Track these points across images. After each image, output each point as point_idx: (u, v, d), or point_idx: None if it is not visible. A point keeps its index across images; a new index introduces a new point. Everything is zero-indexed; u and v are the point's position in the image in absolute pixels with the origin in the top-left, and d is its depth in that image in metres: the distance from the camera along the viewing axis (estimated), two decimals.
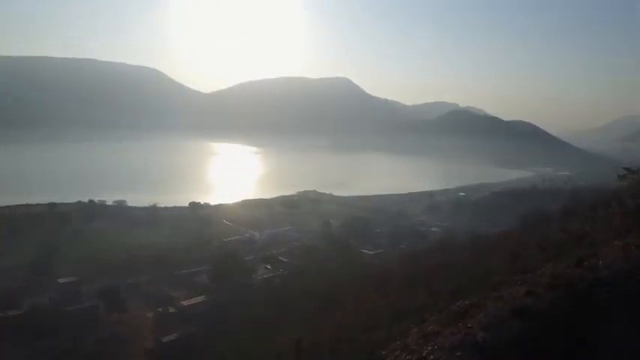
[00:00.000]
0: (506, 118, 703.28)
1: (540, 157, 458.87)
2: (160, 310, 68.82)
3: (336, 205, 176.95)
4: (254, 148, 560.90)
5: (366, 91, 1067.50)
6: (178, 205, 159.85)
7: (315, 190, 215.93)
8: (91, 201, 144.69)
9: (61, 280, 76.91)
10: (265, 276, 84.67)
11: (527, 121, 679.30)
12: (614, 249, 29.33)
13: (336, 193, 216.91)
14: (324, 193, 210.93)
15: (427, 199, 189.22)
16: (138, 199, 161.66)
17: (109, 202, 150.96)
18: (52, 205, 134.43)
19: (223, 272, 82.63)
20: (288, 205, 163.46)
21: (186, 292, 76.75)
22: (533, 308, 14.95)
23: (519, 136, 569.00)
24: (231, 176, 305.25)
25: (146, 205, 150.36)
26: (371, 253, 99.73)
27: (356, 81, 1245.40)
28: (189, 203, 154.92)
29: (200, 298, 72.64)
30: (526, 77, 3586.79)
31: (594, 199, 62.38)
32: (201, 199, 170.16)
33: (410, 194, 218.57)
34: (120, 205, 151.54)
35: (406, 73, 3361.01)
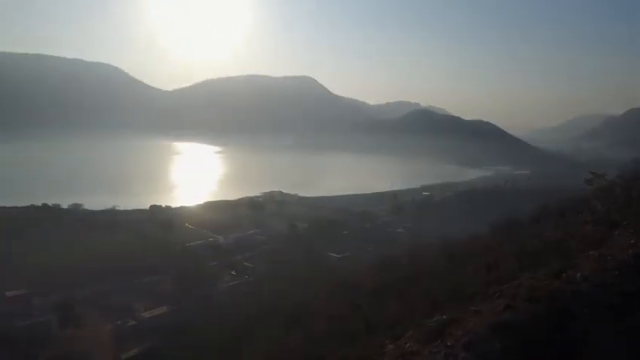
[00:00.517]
0: (466, 117, 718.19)
1: (499, 156, 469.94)
2: (119, 323, 65.22)
3: (302, 206, 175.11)
4: (217, 148, 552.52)
5: (331, 91, 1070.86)
6: (138, 207, 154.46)
7: (280, 191, 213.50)
8: (44, 204, 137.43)
9: (8, 294, 71.83)
10: (231, 283, 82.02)
11: (486, 120, 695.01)
12: (590, 260, 28.44)
13: (302, 193, 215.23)
14: (290, 194, 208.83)
15: (392, 199, 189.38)
16: (95, 202, 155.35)
17: (64, 206, 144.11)
18: None
19: (187, 280, 79.52)
20: (253, 206, 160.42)
21: (148, 303, 73.17)
22: (513, 323, 13.81)
23: (479, 136, 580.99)
24: (194, 177, 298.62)
25: (104, 208, 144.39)
26: (338, 256, 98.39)
27: (320, 80, 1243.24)
28: (150, 206, 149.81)
29: (162, 309, 69.37)
30: (485, 77, 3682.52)
31: (563, 203, 62.87)
32: (163, 202, 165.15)
33: (375, 194, 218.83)
34: (75, 209, 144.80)
35: (370, 72, 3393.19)
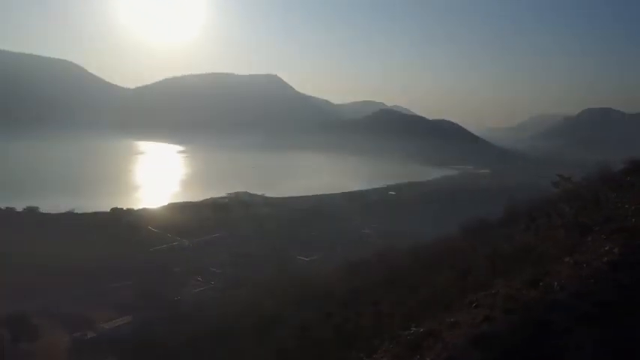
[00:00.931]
0: (430, 117, 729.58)
1: (462, 155, 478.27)
2: (78, 335, 61.97)
3: (268, 207, 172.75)
4: (181, 147, 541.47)
5: (296, 89, 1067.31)
6: (99, 210, 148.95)
7: (246, 192, 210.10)
8: None
9: None
10: (196, 290, 79.48)
11: (449, 120, 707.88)
12: (565, 267, 28.02)
13: (268, 194, 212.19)
14: (256, 195, 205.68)
15: (359, 200, 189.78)
16: (53, 204, 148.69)
17: (19, 209, 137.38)
18: None
19: (150, 287, 76.66)
20: (218, 208, 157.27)
21: (109, 312, 69.98)
22: (492, 335, 13.50)
23: (442, 135, 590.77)
24: (157, 177, 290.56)
25: (62, 211, 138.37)
26: (307, 259, 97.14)
27: (285, 78, 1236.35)
28: (112, 209, 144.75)
29: (124, 319, 66.44)
30: (448, 77, 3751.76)
31: (531, 205, 63.39)
32: (125, 204, 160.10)
33: (342, 194, 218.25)
34: (31, 212, 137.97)
35: (335, 71, 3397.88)
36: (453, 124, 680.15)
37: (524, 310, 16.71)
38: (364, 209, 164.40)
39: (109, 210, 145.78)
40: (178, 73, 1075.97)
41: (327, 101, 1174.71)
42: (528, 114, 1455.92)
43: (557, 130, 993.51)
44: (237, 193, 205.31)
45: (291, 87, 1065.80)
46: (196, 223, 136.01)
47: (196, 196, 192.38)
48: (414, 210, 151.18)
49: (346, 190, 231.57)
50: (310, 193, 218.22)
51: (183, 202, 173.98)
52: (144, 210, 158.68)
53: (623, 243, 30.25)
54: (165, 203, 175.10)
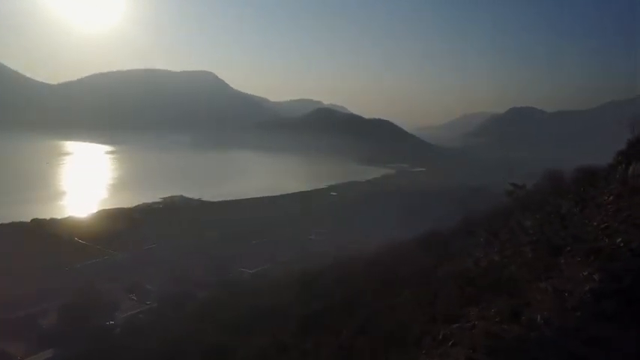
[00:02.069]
0: (366, 116, 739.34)
1: (399, 154, 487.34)
2: None
3: (206, 212, 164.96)
4: (110, 147, 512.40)
5: (232, 87, 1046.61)
6: (17, 220, 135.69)
7: (182, 196, 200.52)
8: None
9: None
10: (130, 313, 72.19)
11: (385, 119, 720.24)
12: (544, 295, 26.20)
13: (206, 197, 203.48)
14: (193, 199, 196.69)
15: (302, 202, 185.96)
16: None
17: None
18: None
19: (77, 312, 68.65)
20: (152, 214, 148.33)
21: (26, 346, 61.58)
22: None
23: (379, 134, 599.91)
24: (85, 181, 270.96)
25: None
26: (251, 272, 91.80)
27: (221, 75, 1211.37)
28: (32, 219, 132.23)
29: (46, 353, 58.51)
30: (383, 76, 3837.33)
31: (486, 215, 61.82)
32: (48, 213, 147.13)
33: (282, 196, 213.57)
34: None
35: (271, 69, 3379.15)
36: (389, 123, 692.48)
37: (510, 351, 14.67)
38: (307, 212, 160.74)
39: (29, 220, 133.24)
40: (105, 69, 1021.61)
41: (264, 99, 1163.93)
42: (460, 112, 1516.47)
43: (485, 127, 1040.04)
44: (172, 198, 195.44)
45: (227, 84, 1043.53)
46: (128, 232, 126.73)
47: (128, 201, 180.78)
48: (359, 212, 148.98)
49: (287, 192, 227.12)
50: (250, 196, 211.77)
51: (114, 209, 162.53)
52: (69, 219, 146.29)
53: (601, 267, 27.10)
54: (94, 210, 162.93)
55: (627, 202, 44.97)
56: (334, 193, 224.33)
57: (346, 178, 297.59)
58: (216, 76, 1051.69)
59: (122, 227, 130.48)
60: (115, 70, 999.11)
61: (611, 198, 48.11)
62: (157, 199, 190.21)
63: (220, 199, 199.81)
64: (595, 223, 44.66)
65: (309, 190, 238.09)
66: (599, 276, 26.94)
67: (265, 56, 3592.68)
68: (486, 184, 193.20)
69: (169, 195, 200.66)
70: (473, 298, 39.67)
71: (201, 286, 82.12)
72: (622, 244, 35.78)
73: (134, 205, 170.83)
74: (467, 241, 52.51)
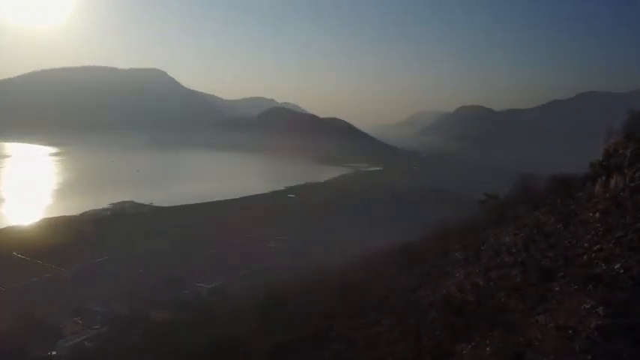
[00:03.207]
0: (321, 115, 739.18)
1: (354, 153, 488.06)
2: None
3: (159, 219, 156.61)
4: (54, 149, 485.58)
5: (183, 85, 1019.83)
6: None
7: (132, 201, 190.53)
8: None
9: None
10: (74, 341, 65.25)
11: (340, 118, 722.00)
12: (546, 333, 24.11)
13: (158, 202, 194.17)
14: (144, 204, 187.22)
15: (259, 206, 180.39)
16: None
17: None
18: None
19: (15, 341, 61.43)
20: (100, 223, 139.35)
21: None
22: None
23: (335, 133, 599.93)
24: (25, 186, 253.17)
25: None
26: (208, 287, 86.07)
27: (172, 73, 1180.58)
28: None
29: None
30: (336, 75, 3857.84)
31: (461, 227, 59.20)
32: None
33: (239, 200, 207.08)
34: None
35: (223, 67, 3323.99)
36: (344, 122, 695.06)
37: None
38: (266, 217, 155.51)
39: None
40: (47, 66, 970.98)
41: (217, 97, 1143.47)
42: (409, 112, 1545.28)
43: (436, 126, 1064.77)
44: (122, 204, 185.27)
45: (178, 83, 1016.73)
46: (74, 244, 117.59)
47: (74, 208, 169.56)
48: (319, 216, 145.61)
49: (244, 195, 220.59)
50: (205, 200, 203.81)
51: (58, 218, 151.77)
52: (7, 230, 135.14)
53: (603, 298, 24.84)
54: (36, 220, 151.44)
55: (617, 220, 41.72)
56: (292, 196, 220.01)
57: (304, 178, 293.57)
58: (167, 74, 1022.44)
59: (67, 238, 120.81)
60: (58, 67, 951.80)
61: (597, 214, 45.00)
62: (105, 206, 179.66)
63: (173, 204, 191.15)
64: (586, 244, 41.02)
65: (266, 192, 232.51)
66: (603, 309, 23.55)
67: (215, 54, 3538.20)
68: (448, 185, 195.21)
69: (119, 201, 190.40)
70: (463, 331, 35.52)
71: (155, 305, 76.28)
72: (621, 271, 32.27)
73: (80, 212, 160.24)
74: (444, 259, 49.62)
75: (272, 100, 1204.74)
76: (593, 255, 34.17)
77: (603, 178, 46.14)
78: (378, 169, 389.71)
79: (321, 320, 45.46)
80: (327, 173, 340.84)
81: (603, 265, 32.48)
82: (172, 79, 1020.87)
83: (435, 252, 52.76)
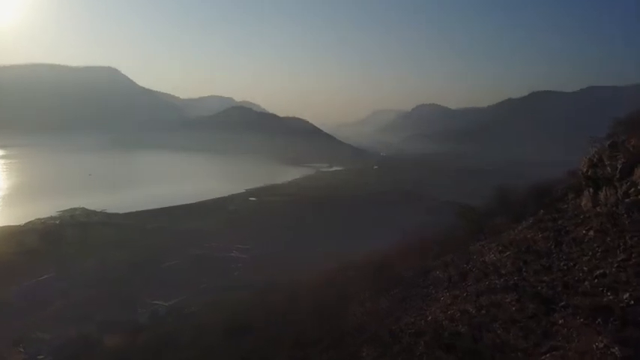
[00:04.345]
0: (281, 114, 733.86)
1: (315, 153, 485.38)
2: None
3: (113, 228, 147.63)
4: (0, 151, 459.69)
5: (138, 83, 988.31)
6: None
7: (84, 208, 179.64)
8: None
9: None
10: None
11: (299, 117, 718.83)
12: None
13: (112, 209, 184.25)
14: (97, 212, 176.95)
15: (219, 210, 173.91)
16: None
17: None
18: None
19: None
20: (47, 234, 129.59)
21: None
22: None
23: (295, 133, 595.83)
24: None
25: None
26: (166, 305, 79.96)
27: (125, 71, 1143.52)
28: None
29: None
30: (295, 73, 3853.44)
31: (441, 243, 55.83)
32: None
33: (199, 204, 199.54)
34: None
35: (180, 64, 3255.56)
36: (304, 121, 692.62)
37: None
38: (226, 223, 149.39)
39: None
40: None
41: (173, 96, 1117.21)
42: (367, 110, 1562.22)
43: (394, 125, 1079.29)
44: (72, 211, 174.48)
45: (131, 80, 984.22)
46: (17, 259, 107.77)
47: (17, 217, 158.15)
48: (282, 221, 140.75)
49: (202, 199, 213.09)
50: (162, 205, 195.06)
51: (0, 228, 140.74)
52: None
53: (617, 335, 24.54)
54: None
55: (616, 240, 37.62)
56: (254, 199, 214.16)
57: (265, 180, 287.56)
58: (121, 73, 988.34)
59: (8, 253, 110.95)
60: (4, 65, 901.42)
61: (591, 232, 41.05)
62: (53, 214, 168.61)
63: (128, 210, 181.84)
64: (585, 268, 36.05)
65: (226, 195, 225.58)
66: (620, 350, 19.72)
67: (172, 51, 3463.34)
68: (412, 186, 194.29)
69: (69, 208, 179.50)
70: None
71: (108, 327, 69.78)
72: (632, 302, 28.49)
73: (25, 222, 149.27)
74: (425, 280, 45.90)
75: (230, 98, 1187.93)
76: (596, 281, 31.25)
77: (591, 190, 43.95)
78: (339, 169, 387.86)
79: (294, 350, 41.20)
80: (289, 174, 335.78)
81: (609, 294, 29.50)
82: (126, 77, 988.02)
83: (414, 269, 49.43)
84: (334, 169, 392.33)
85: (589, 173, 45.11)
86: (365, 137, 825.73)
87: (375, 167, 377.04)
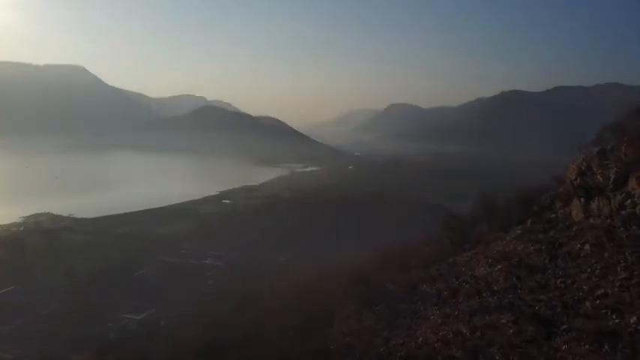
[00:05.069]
0: (254, 113, 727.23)
1: (289, 153, 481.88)
2: None
3: (81, 234, 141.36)
4: None
5: (107, 83, 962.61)
6: None
7: (49, 213, 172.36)
8: None
9: None
10: None
11: (273, 116, 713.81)
12: None
13: (80, 213, 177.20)
14: (63, 217, 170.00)
15: (192, 214, 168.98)
16: None
17: None
18: None
19: None
20: (10, 243, 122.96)
21: None
22: None
23: (268, 132, 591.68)
24: None
25: None
26: (138, 318, 75.98)
27: (94, 70, 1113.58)
28: None
29: None
30: (268, 72, 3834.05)
31: (427, 257, 53.75)
32: None
33: (171, 208, 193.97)
34: None
35: (151, 63, 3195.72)
36: (278, 121, 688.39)
37: None
38: (200, 228, 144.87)
39: None
40: None
41: (143, 95, 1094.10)
42: (341, 110, 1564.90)
43: (368, 124, 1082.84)
44: (37, 216, 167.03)
45: (100, 79, 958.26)
46: None
47: None
48: (257, 226, 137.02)
49: (174, 202, 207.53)
50: (132, 209, 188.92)
51: None
52: None
53: None
54: None
55: (614, 256, 35.21)
56: (227, 201, 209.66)
57: (239, 181, 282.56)
58: (89, 71, 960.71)
59: None
60: None
61: (587, 247, 38.61)
62: (17, 220, 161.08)
63: (97, 215, 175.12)
64: (585, 287, 33.51)
65: (199, 198, 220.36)
66: None
67: (142, 50, 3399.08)
68: (389, 187, 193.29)
69: (34, 213, 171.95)
70: None
71: (75, 345, 65.72)
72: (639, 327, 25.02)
73: None
74: (412, 292, 43.59)
75: (203, 97, 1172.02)
76: (598, 302, 29.42)
77: (582, 200, 42.48)
78: (315, 169, 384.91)
79: None
80: (263, 175, 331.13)
81: (614, 317, 27.71)
82: (95, 76, 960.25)
83: (399, 283, 47.29)
84: (309, 169, 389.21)
85: (578, 181, 43.80)
86: (340, 137, 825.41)
87: (351, 167, 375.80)
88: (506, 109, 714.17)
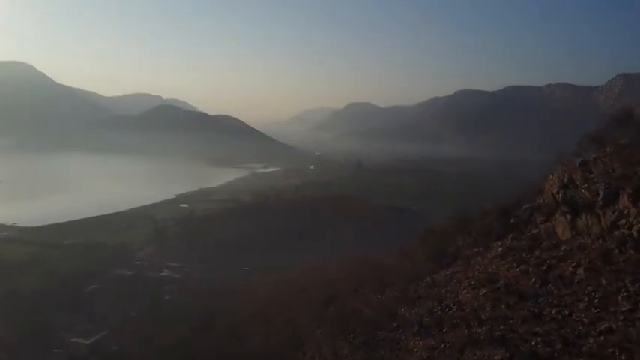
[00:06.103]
0: (211, 112, 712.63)
1: (248, 153, 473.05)
2: None
3: (25, 245, 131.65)
4: None
5: (56, 80, 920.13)
6: None
7: None
8: None
9: None
10: None
11: (232, 115, 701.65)
12: None
13: (25, 221, 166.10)
14: (6, 226, 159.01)
15: (148, 221, 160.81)
16: None
17: None
18: None
19: None
20: None
21: None
22: None
23: (226, 132, 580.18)
24: None
25: None
26: (88, 342, 69.68)
27: (41, 67, 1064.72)
28: None
29: None
30: (225, 70, 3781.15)
31: (396, 268, 50.62)
32: None
33: (125, 214, 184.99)
34: None
35: (103, 60, 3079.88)
36: (236, 120, 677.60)
37: None
38: (156, 236, 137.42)
39: None
40: None
41: (95, 93, 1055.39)
42: (299, 108, 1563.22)
43: (327, 123, 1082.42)
44: None
45: (48, 77, 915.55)
46: None
47: None
48: (217, 233, 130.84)
49: (128, 208, 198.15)
50: (82, 216, 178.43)
51: None
52: None
53: None
54: None
55: (612, 282, 31.75)
56: (185, 206, 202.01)
57: (196, 184, 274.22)
58: (35, 68, 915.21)
59: None
60: None
61: (581, 271, 35.21)
62: None
63: (43, 223, 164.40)
64: (585, 318, 30.27)
65: (156, 202, 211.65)
66: None
67: (94, 46, 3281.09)
68: (351, 189, 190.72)
69: None
70: None
71: None
72: None
73: None
74: (391, 319, 40.27)
75: (158, 96, 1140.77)
76: (602, 338, 26.77)
77: (568, 217, 39.96)
78: (275, 169, 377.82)
79: None
80: (222, 176, 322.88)
81: (623, 357, 25.27)
82: (42, 73, 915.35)
83: (375, 306, 43.98)
84: (270, 170, 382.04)
85: (561, 195, 41.48)
86: (296, 136, 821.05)
87: (312, 167, 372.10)
88: (461, 107, 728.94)
